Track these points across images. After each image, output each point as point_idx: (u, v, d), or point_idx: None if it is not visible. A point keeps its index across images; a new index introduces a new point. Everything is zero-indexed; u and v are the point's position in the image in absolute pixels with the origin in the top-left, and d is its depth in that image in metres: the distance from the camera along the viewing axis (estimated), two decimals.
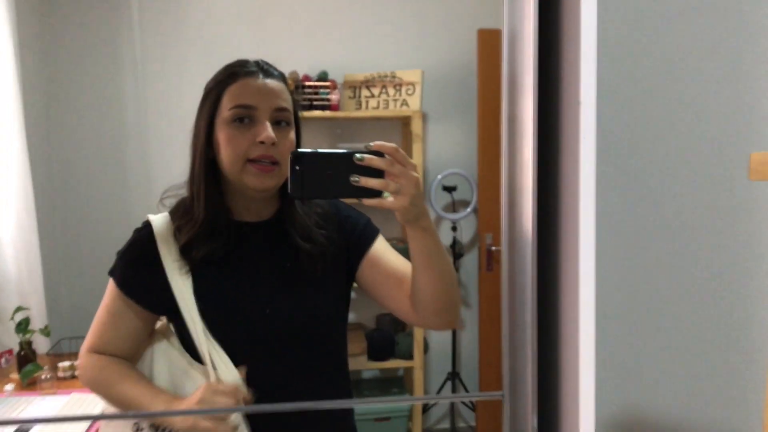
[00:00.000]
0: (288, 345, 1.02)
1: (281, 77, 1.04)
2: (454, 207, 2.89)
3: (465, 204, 2.88)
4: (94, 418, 1.43)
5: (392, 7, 2.91)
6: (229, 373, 0.97)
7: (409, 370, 2.86)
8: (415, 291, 0.98)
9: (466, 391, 2.90)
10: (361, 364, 2.74)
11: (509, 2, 0.67)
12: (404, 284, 1.01)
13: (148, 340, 1.06)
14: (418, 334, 2.75)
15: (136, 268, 1.02)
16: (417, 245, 0.92)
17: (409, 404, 2.78)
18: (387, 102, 2.81)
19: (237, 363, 0.98)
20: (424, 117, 2.83)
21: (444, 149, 2.96)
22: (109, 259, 2.58)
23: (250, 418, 0.98)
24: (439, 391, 2.99)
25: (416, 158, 2.73)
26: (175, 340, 1.05)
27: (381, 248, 1.09)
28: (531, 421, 0.50)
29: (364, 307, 2.93)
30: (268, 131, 0.96)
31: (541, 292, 0.62)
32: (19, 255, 2.23)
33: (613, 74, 0.96)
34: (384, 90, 2.80)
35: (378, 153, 0.82)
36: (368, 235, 1.09)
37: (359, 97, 2.83)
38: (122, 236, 3.05)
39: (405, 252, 1.00)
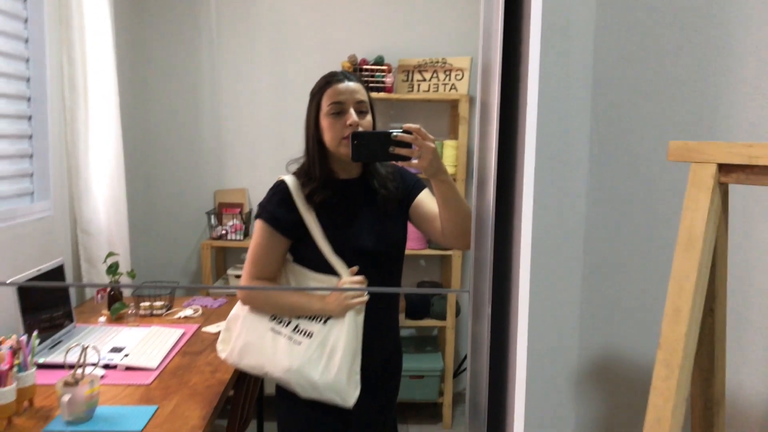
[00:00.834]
0: (377, 255, 1.51)
1: (358, 80, 1.51)
2: None
3: None
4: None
5: None
6: (345, 273, 1.47)
7: (442, 330, 3.11)
8: (441, 222, 1.47)
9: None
10: (399, 322, 3.01)
11: (485, 3, 0.89)
12: (437, 220, 1.50)
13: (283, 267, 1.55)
14: (452, 297, 3.00)
15: (280, 210, 1.49)
16: (438, 191, 1.41)
17: (441, 366, 3.03)
18: (437, 86, 3.02)
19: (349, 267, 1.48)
20: (471, 101, 3.02)
21: None
22: (182, 217, 3.10)
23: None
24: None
25: (461, 138, 2.94)
26: (294, 266, 1.53)
27: (425, 196, 1.58)
28: (487, 310, 0.77)
29: (405, 274, 3.21)
30: (353, 117, 1.44)
31: (499, 231, 0.87)
32: (110, 209, 2.59)
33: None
34: (435, 75, 3.02)
35: (408, 132, 1.32)
36: (418, 187, 1.59)
37: (412, 80, 3.05)
38: (193, 198, 3.47)
39: None
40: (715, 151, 0.78)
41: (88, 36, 2.43)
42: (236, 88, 3.13)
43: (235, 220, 3.00)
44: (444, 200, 1.42)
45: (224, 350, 1.56)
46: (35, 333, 1.58)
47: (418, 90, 3.03)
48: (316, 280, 1.50)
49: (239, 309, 1.56)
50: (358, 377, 1.45)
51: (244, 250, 3.35)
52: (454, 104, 3.05)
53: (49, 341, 1.88)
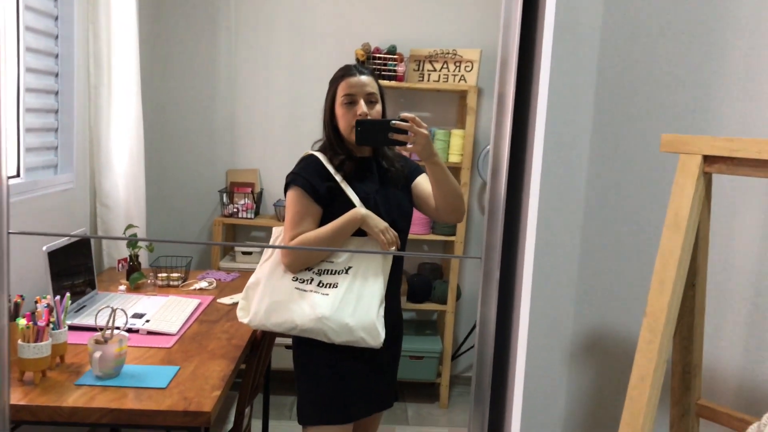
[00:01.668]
0: (395, 220, 1.69)
1: (370, 73, 1.69)
2: None
3: None
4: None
5: None
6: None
7: (442, 315, 3.23)
8: (435, 200, 1.68)
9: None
10: (402, 304, 3.12)
11: (506, 2, 0.99)
12: (431, 199, 1.71)
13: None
14: (453, 281, 3.11)
15: (314, 178, 1.65)
16: (432, 172, 1.62)
17: (440, 348, 3.15)
18: (447, 76, 3.11)
19: None
20: (479, 92, 3.12)
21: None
22: (196, 194, 3.24)
23: None
24: (467, 337, 3.36)
25: (468, 128, 3.03)
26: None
27: (422, 179, 1.78)
28: (495, 275, 0.89)
29: (409, 258, 3.32)
30: (363, 108, 1.63)
31: (508, 212, 0.98)
32: (129, 184, 2.70)
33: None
34: (445, 65, 3.11)
35: (404, 120, 1.52)
36: (417, 171, 1.80)
37: (422, 70, 3.14)
38: (206, 176, 3.58)
39: None
40: (701, 144, 0.89)
41: (113, 15, 2.52)
42: (252, 71, 3.22)
43: (246, 199, 3.11)
44: (436, 180, 1.63)
45: (245, 315, 1.68)
46: (68, 294, 1.69)
47: (429, 80, 3.12)
48: (351, 241, 1.65)
49: (259, 274, 1.69)
50: (383, 319, 1.60)
51: (255, 228, 3.47)
52: (462, 95, 3.14)
53: (74, 305, 1.99)
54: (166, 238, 3.20)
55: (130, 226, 2.44)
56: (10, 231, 1.05)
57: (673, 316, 0.90)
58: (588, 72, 1.35)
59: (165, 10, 3.14)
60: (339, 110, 1.66)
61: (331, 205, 1.65)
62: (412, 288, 3.14)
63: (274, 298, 1.62)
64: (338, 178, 1.65)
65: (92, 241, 2.56)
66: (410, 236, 3.13)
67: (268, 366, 2.74)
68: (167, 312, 2.04)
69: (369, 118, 1.61)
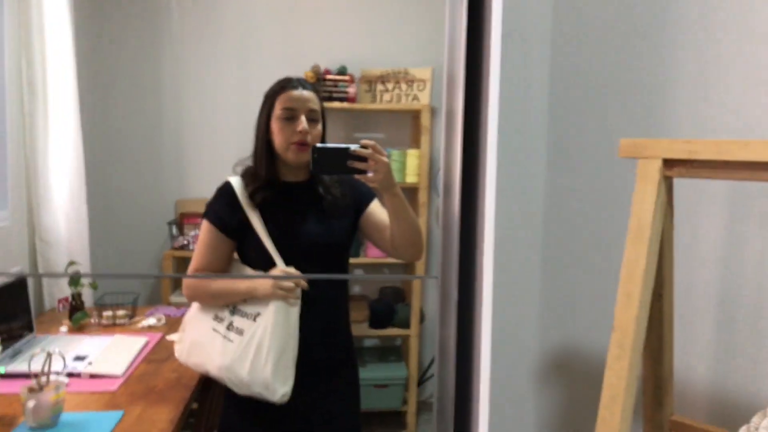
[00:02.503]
0: (318, 254, 1.55)
1: (313, 88, 1.56)
2: None
3: None
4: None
5: (408, 8, 3.18)
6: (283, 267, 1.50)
7: (406, 340, 3.15)
8: (391, 234, 1.54)
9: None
10: (363, 331, 3.04)
11: (449, 17, 0.95)
12: (387, 231, 1.56)
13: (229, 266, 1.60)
14: (416, 304, 3.05)
15: (224, 210, 1.54)
16: (390, 205, 1.48)
17: (405, 374, 3.07)
18: (399, 96, 3.08)
19: (288, 264, 1.51)
20: (433, 111, 3.09)
21: None
22: (144, 227, 3.11)
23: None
24: (432, 361, 3.29)
25: (423, 147, 3.00)
26: (240, 266, 1.58)
27: (376, 206, 1.63)
28: (453, 295, 0.82)
29: (369, 282, 3.24)
30: (304, 125, 1.50)
31: (464, 232, 0.92)
32: (70, 219, 2.56)
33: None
34: (397, 85, 3.08)
35: (364, 147, 1.38)
36: (369, 197, 1.64)
37: (374, 90, 3.11)
38: (154, 208, 3.45)
39: None
40: (659, 148, 0.85)
41: (48, 39, 2.41)
42: (199, 96, 3.13)
43: (196, 230, 2.99)
44: (395, 214, 1.49)
45: (179, 349, 1.60)
46: None
47: (381, 100, 3.08)
48: (253, 273, 1.55)
49: (192, 310, 1.60)
50: (288, 371, 1.46)
51: None
52: (416, 114, 3.11)
53: (9, 350, 1.85)
54: (114, 269, 3.05)
55: (72, 263, 2.30)
56: None
57: (642, 330, 0.85)
58: (540, 81, 1.32)
59: (103, 32, 3.03)
60: (275, 125, 1.51)
61: (243, 238, 1.54)
62: (374, 313, 3.05)
63: (194, 336, 1.55)
64: (249, 210, 1.52)
65: (31, 281, 2.41)
66: (370, 259, 3.05)
67: None
68: (112, 353, 1.91)
69: (308, 140, 1.50)
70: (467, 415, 1.03)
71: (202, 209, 3.12)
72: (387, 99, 3.08)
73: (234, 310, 1.51)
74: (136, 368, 1.84)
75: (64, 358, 1.60)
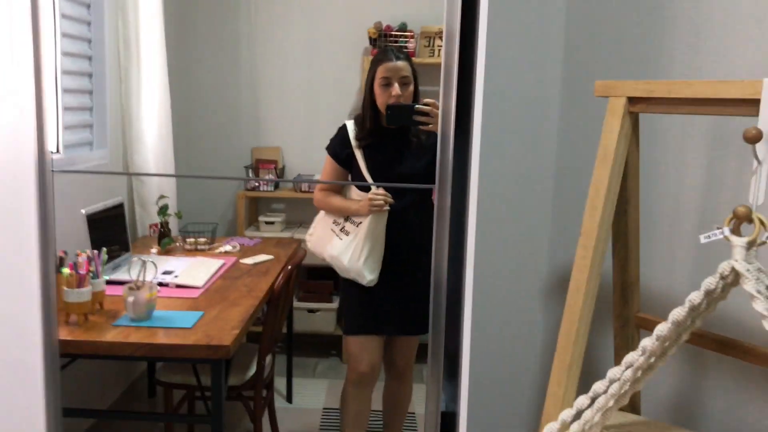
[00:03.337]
0: (413, 193, 2.02)
1: (406, 57, 2.05)
2: None
3: None
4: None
5: None
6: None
7: None
8: None
9: None
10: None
11: None
12: None
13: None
14: None
15: (338, 146, 2.10)
16: None
17: None
18: None
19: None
20: None
21: None
22: (223, 170, 3.50)
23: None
24: None
25: None
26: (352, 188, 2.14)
27: None
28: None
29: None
30: (397, 90, 1.98)
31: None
32: (159, 159, 2.91)
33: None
34: None
35: (426, 104, 1.87)
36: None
37: (433, 45, 3.27)
38: (232, 153, 3.78)
39: None
40: (625, 88, 1.03)
41: (140, 3, 2.73)
42: (270, 54, 3.40)
43: (269, 174, 3.31)
44: None
45: (309, 240, 2.21)
46: (104, 249, 1.91)
47: (439, 55, 3.24)
48: (359, 195, 2.10)
49: (320, 214, 2.20)
50: (375, 264, 2.04)
51: (275, 200, 3.66)
52: None
53: (110, 264, 2.22)
54: (195, 208, 3.43)
55: (161, 197, 2.66)
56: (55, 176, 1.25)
57: (604, 236, 1.05)
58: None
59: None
60: (377, 89, 2.01)
61: (351, 168, 2.08)
62: None
63: (318, 232, 2.16)
64: (356, 146, 2.05)
65: (126, 211, 2.79)
66: None
67: (291, 328, 2.96)
68: (194, 270, 2.25)
69: (401, 101, 1.96)
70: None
71: (274, 156, 3.45)
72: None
73: (347, 218, 2.09)
74: (213, 283, 2.17)
75: (155, 266, 1.94)
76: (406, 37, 3.26)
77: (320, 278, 2.78)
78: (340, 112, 2.14)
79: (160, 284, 2.09)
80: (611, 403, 0.98)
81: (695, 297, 0.93)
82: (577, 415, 1.01)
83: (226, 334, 1.71)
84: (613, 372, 0.98)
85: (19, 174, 1.42)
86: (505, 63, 1.40)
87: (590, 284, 1.04)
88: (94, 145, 2.63)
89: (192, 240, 2.62)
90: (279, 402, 2.80)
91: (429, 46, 3.30)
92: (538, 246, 1.57)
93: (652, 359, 0.97)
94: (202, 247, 2.61)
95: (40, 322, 1.42)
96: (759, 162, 0.89)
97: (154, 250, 2.53)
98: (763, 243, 0.90)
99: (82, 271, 1.73)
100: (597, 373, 1.28)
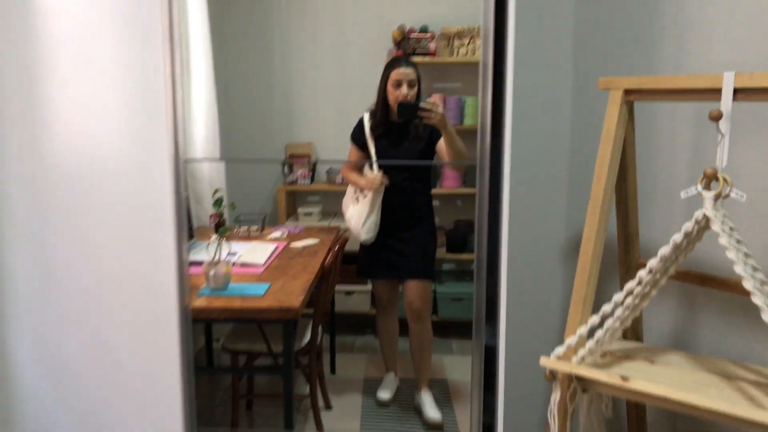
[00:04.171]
0: (409, 171, 2.61)
1: (413, 64, 2.56)
2: None
3: None
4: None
5: None
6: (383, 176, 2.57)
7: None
8: (446, 151, 2.48)
9: None
10: (441, 254, 3.59)
11: None
12: (444, 151, 2.51)
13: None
14: None
15: (357, 134, 2.64)
16: (444, 135, 2.45)
17: None
18: (474, 50, 3.53)
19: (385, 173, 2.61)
20: None
21: None
22: (262, 166, 3.90)
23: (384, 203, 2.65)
24: None
25: None
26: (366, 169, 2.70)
27: (442, 140, 2.51)
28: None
29: (444, 212, 3.79)
30: (405, 91, 2.50)
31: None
32: (207, 154, 3.25)
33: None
34: (471, 40, 3.53)
35: (428, 102, 2.16)
36: (438, 136, 2.53)
37: (452, 45, 3.56)
38: (268, 150, 4.15)
39: None
40: (623, 82, 1.33)
41: (189, 20, 3.06)
42: (303, 54, 3.72)
43: (303, 168, 3.63)
44: (447, 141, 2.46)
45: (344, 202, 2.76)
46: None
47: (458, 54, 3.54)
48: (370, 173, 2.64)
49: (350, 187, 2.76)
50: (372, 226, 2.64)
51: (311, 193, 3.98)
52: None
53: None
54: (242, 201, 3.76)
55: (216, 191, 2.99)
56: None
57: (608, 198, 1.34)
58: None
59: (228, 7, 3.66)
60: (389, 89, 2.52)
61: (365, 152, 2.60)
62: (452, 239, 3.60)
63: (347, 198, 2.76)
64: (369, 137, 2.57)
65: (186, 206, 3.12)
66: (443, 191, 3.59)
67: (333, 308, 3.28)
68: (253, 251, 2.58)
69: (408, 99, 2.46)
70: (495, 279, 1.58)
71: (307, 151, 3.78)
72: (463, 53, 3.54)
73: (361, 191, 2.66)
74: (271, 262, 2.49)
75: (230, 244, 2.27)
76: (427, 38, 3.55)
77: (355, 263, 3.10)
78: (367, 108, 2.63)
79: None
80: (617, 324, 1.28)
81: (677, 237, 1.23)
82: (590, 334, 1.31)
83: (293, 298, 2.03)
84: (617, 296, 1.29)
85: (155, 165, 1.72)
86: (527, 61, 1.69)
87: (599, 235, 1.34)
88: None
89: (245, 228, 2.94)
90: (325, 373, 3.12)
91: (449, 45, 3.59)
92: (556, 208, 1.87)
93: (647, 288, 1.27)
94: (255, 234, 2.93)
95: (175, 286, 1.73)
96: (722, 134, 1.19)
97: (213, 238, 2.86)
98: (727, 196, 1.19)
99: None
100: None
